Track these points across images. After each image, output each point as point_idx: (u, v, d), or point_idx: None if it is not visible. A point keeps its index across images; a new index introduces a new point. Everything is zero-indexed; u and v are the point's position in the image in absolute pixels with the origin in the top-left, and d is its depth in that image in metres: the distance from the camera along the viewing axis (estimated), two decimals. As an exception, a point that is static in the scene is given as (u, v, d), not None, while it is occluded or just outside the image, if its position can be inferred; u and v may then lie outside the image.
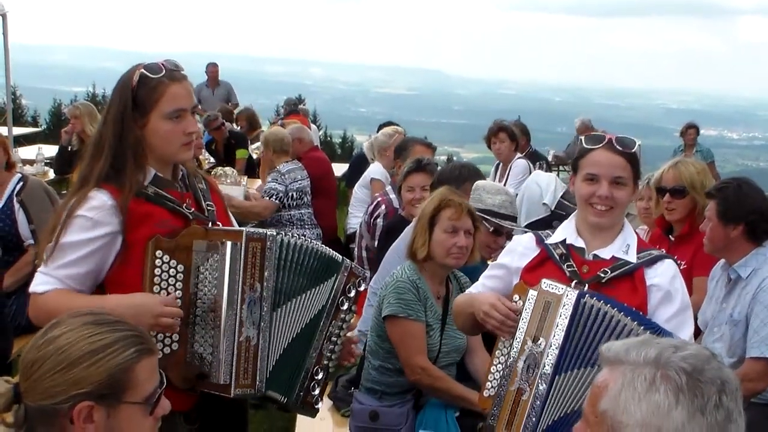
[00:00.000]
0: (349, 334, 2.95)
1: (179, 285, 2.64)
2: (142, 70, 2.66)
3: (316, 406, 2.87)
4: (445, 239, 3.61)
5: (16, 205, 5.07)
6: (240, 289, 2.62)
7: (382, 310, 3.63)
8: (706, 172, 4.57)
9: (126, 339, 1.82)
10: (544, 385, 2.63)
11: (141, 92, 2.65)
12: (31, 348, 1.81)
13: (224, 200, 3.04)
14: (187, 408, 2.70)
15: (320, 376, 2.82)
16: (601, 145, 2.80)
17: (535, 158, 9.24)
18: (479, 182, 4.40)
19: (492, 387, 2.81)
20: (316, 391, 2.83)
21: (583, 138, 2.89)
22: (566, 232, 2.92)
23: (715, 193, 3.93)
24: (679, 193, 4.45)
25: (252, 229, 2.75)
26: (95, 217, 2.60)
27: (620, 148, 2.77)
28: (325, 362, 2.84)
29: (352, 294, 2.87)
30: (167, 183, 2.75)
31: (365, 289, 5.29)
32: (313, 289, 2.81)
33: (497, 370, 2.80)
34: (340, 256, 2.91)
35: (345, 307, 2.86)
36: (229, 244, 2.61)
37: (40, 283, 2.65)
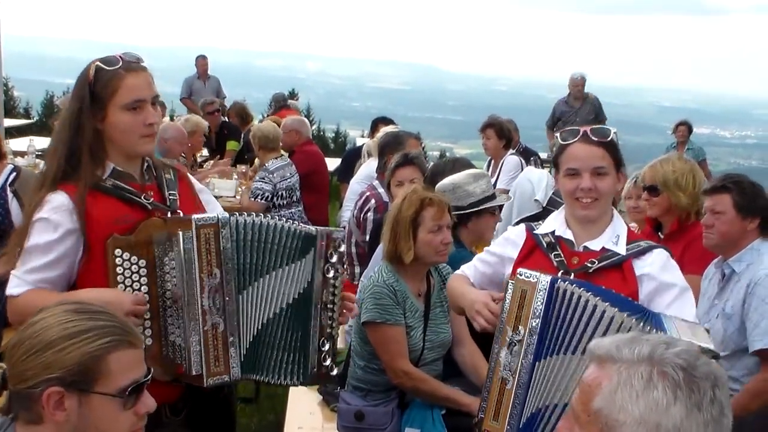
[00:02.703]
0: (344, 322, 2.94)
1: (144, 281, 2.63)
2: (98, 63, 2.63)
3: (332, 374, 2.87)
4: (432, 239, 3.58)
5: (10, 195, 5.06)
6: (198, 278, 2.62)
7: (360, 314, 3.58)
8: (688, 171, 4.52)
9: (103, 328, 1.81)
10: (526, 372, 2.64)
11: (97, 86, 2.62)
12: (16, 332, 1.83)
13: (195, 189, 2.95)
14: (173, 400, 2.70)
15: (327, 346, 2.82)
16: (576, 138, 2.82)
17: (528, 155, 9.24)
18: (454, 180, 4.20)
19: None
20: (328, 362, 2.82)
21: (558, 134, 2.90)
22: (556, 223, 2.95)
23: (732, 186, 3.91)
24: (654, 191, 4.52)
25: (203, 215, 2.72)
26: (55, 219, 2.59)
27: (596, 139, 2.80)
28: (329, 331, 2.83)
29: (335, 259, 2.82)
30: (126, 175, 2.72)
31: (354, 280, 5.28)
32: (290, 266, 2.77)
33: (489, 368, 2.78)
34: (314, 228, 2.86)
35: (331, 274, 2.81)
36: (180, 233, 2.61)
37: (14, 286, 2.64)
